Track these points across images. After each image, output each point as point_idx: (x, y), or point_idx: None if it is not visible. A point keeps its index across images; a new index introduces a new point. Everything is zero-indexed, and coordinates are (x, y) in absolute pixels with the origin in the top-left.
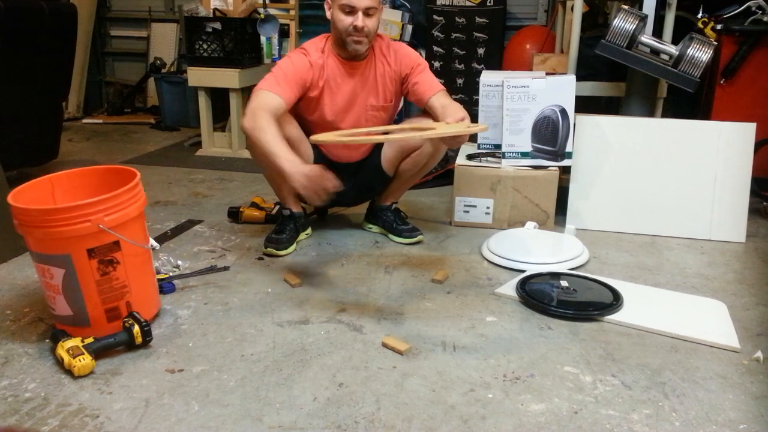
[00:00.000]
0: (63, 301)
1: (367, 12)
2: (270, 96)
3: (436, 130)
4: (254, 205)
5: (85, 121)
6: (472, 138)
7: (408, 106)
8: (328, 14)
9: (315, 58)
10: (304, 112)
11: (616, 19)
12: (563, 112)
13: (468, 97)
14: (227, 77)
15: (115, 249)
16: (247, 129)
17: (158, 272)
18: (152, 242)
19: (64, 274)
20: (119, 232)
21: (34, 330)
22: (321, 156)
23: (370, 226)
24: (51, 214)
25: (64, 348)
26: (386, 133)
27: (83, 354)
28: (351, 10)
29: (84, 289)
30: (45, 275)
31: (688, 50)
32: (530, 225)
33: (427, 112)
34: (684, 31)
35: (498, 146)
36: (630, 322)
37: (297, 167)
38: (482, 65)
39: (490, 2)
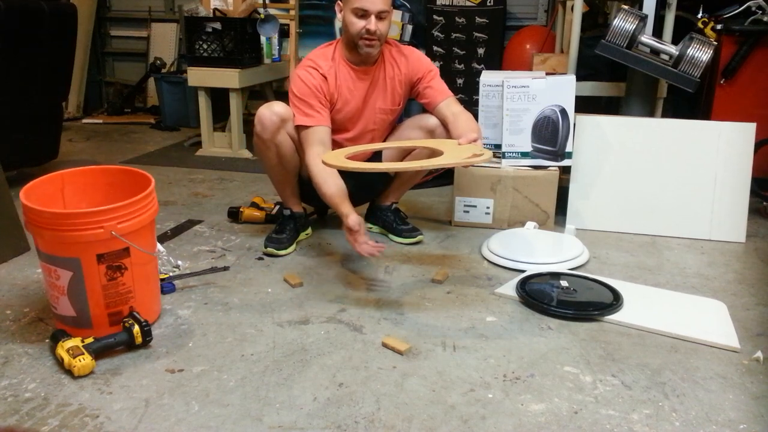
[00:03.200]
0: (67, 302)
1: (380, 16)
2: (317, 132)
3: (445, 157)
4: (254, 205)
5: (85, 121)
6: None
7: (408, 105)
8: (339, 16)
9: (326, 68)
10: None
11: (616, 19)
12: (563, 112)
13: (468, 97)
14: (227, 77)
15: (125, 255)
16: (312, 178)
17: (158, 272)
18: (159, 247)
19: (72, 276)
20: (130, 239)
21: (34, 330)
22: None
23: (370, 226)
24: (64, 218)
25: (64, 348)
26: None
27: (83, 354)
28: (364, 14)
29: (90, 292)
30: (51, 275)
31: (688, 50)
32: (530, 225)
33: (428, 112)
34: (684, 31)
35: (498, 146)
36: (630, 322)
37: (351, 220)
38: (482, 65)
39: (490, 2)
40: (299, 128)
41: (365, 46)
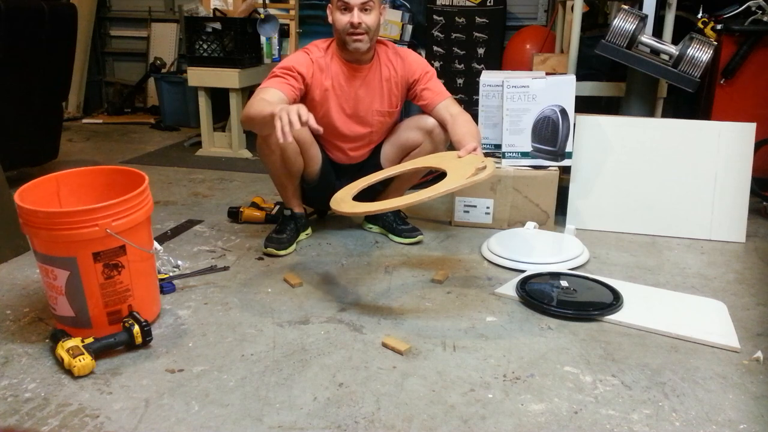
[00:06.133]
0: (65, 302)
1: (364, 8)
2: (268, 91)
3: (447, 181)
4: (254, 205)
5: (85, 121)
6: None
7: (407, 106)
8: (330, 19)
9: (318, 56)
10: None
11: (616, 19)
12: (563, 112)
13: (468, 97)
14: (227, 77)
15: (121, 253)
16: (242, 120)
17: (158, 272)
18: (156, 245)
19: (69, 276)
20: (126, 236)
21: (34, 330)
22: (327, 158)
23: (370, 226)
24: (59, 217)
25: (64, 348)
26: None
27: (83, 354)
28: (346, 8)
29: (87, 291)
30: (48, 276)
31: (688, 50)
32: (530, 225)
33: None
34: (684, 31)
35: (498, 146)
36: (630, 322)
37: (287, 106)
38: (482, 65)
39: (490, 2)
40: (258, 89)
41: (353, 42)
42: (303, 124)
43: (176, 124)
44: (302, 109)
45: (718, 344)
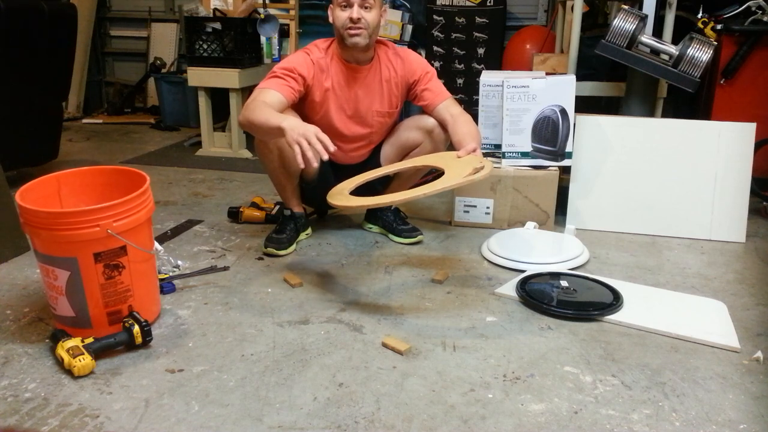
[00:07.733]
0: (65, 302)
1: (364, 5)
2: (268, 92)
3: (444, 179)
4: (254, 205)
5: (85, 121)
6: None
7: (407, 107)
8: (330, 18)
9: (318, 56)
10: (309, 114)
11: (616, 19)
12: (563, 112)
13: (468, 97)
14: (227, 77)
15: (122, 254)
16: (241, 121)
17: (158, 272)
18: (156, 245)
19: (69, 276)
20: (127, 237)
21: (34, 330)
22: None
23: (370, 226)
24: (60, 217)
25: (64, 348)
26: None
27: (83, 354)
28: (347, 4)
29: (88, 292)
30: (49, 276)
31: (688, 50)
32: (530, 225)
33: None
34: (684, 31)
35: (498, 146)
36: (630, 322)
37: (296, 121)
38: (482, 65)
39: (490, 2)
40: (256, 89)
41: (350, 36)
42: (327, 153)
43: (176, 124)
44: (320, 133)
45: (718, 344)
